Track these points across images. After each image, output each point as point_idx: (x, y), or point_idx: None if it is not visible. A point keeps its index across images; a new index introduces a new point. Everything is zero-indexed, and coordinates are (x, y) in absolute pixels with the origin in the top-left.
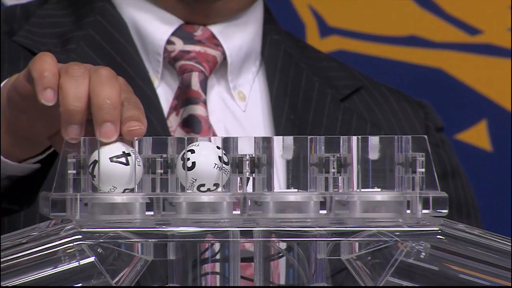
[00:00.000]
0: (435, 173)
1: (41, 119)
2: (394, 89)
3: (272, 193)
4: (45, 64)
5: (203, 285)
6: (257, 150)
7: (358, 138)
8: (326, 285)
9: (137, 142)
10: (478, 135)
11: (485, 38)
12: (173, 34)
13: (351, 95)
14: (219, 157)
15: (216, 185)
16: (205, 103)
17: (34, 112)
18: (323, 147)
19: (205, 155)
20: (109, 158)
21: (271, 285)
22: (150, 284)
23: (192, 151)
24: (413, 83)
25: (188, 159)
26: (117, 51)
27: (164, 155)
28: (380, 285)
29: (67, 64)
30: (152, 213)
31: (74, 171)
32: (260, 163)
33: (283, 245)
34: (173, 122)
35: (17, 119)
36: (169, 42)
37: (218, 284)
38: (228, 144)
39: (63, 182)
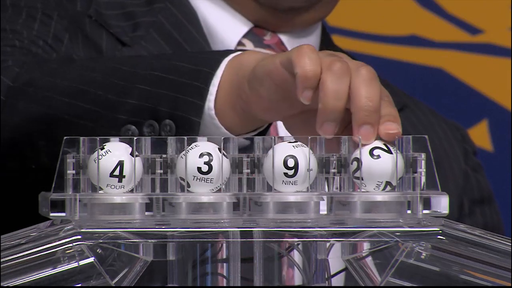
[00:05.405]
0: (435, 173)
1: (280, 103)
2: (431, 109)
3: (272, 194)
4: (310, 62)
5: (203, 285)
6: (257, 150)
7: (359, 138)
8: (326, 285)
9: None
10: (478, 135)
11: (486, 37)
12: (244, 36)
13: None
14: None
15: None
16: None
17: (277, 96)
18: (323, 147)
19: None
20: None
21: (271, 285)
22: (150, 284)
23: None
24: (414, 83)
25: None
26: (188, 42)
27: (164, 155)
28: (381, 285)
29: (331, 57)
30: (151, 213)
31: (74, 171)
32: (260, 163)
33: (283, 246)
34: None
35: (257, 99)
36: (239, 43)
37: (218, 285)
38: (228, 144)
39: (62, 182)
